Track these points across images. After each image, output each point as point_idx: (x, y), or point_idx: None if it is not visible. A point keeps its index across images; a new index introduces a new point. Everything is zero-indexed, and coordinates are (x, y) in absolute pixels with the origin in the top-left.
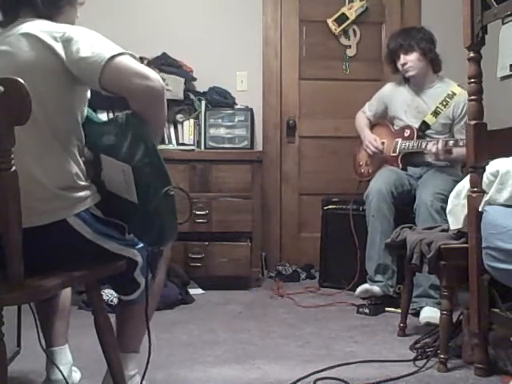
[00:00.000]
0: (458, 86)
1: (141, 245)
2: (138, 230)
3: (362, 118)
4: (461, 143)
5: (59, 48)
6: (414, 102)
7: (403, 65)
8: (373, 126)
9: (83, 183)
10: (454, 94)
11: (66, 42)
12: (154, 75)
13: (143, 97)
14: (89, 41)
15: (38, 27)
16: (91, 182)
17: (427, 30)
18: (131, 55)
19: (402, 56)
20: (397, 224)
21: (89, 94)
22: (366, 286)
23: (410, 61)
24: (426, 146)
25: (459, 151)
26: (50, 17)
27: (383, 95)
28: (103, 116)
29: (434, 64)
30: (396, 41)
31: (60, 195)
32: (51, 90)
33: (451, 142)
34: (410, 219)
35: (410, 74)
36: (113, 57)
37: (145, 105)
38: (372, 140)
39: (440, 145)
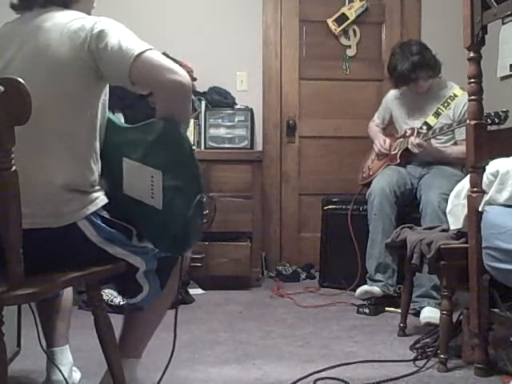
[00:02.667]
0: (461, 88)
1: (150, 254)
2: (156, 237)
3: (373, 126)
4: (437, 131)
5: (88, 44)
6: (416, 105)
7: (410, 88)
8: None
9: (96, 185)
10: (456, 95)
11: (95, 37)
12: (182, 71)
13: (172, 91)
14: (117, 36)
15: (66, 21)
16: (102, 184)
17: (426, 48)
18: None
19: (410, 83)
20: (397, 224)
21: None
22: (365, 287)
23: (419, 86)
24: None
25: (448, 149)
26: (67, 3)
27: (387, 102)
28: None
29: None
30: (402, 70)
31: (73, 198)
32: (79, 88)
33: (430, 133)
34: (411, 219)
35: (418, 92)
36: (141, 52)
37: (172, 99)
38: (381, 140)
39: (414, 137)
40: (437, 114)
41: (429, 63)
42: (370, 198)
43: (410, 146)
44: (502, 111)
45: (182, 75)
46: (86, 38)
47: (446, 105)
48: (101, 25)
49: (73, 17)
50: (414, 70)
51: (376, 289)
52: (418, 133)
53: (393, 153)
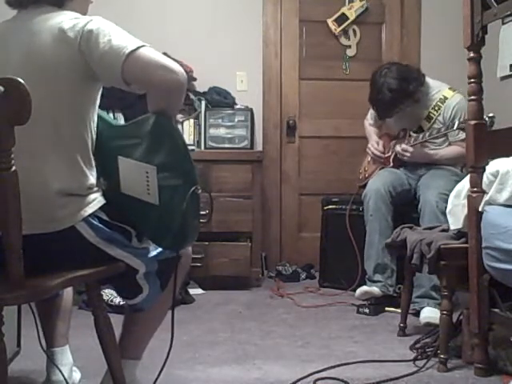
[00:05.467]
0: (450, 88)
1: (150, 255)
2: (156, 233)
3: (367, 126)
4: (427, 135)
5: (79, 44)
6: (405, 112)
7: None
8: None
9: (93, 187)
10: (446, 98)
11: (86, 37)
12: (177, 67)
13: (165, 90)
14: (108, 34)
15: (58, 22)
16: (98, 185)
17: (405, 77)
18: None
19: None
20: (396, 224)
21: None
22: (364, 287)
23: (405, 111)
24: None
25: (439, 151)
26: (60, 2)
27: None
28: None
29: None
30: (384, 110)
31: (69, 201)
32: (72, 89)
33: (412, 140)
34: (410, 219)
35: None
36: (134, 50)
37: (165, 96)
38: (374, 143)
39: (399, 144)
40: (429, 119)
41: (409, 94)
42: (365, 199)
43: (397, 154)
44: (488, 116)
45: (176, 71)
46: (77, 38)
47: (436, 108)
48: (92, 24)
49: (64, 17)
50: (397, 107)
51: (375, 289)
52: (410, 136)
53: (386, 155)
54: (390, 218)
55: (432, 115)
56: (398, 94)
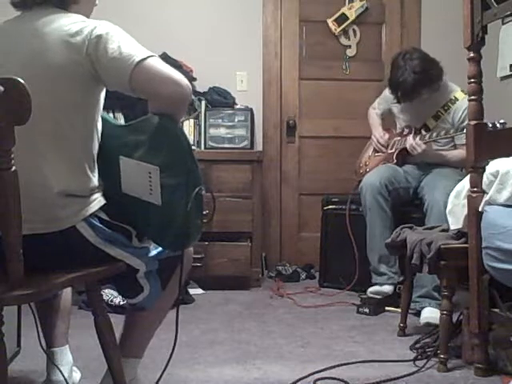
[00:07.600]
0: (462, 91)
1: (150, 255)
2: (157, 233)
3: (373, 115)
4: (434, 135)
5: (86, 48)
6: (416, 106)
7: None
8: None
9: (95, 189)
10: (457, 99)
11: (94, 41)
12: (183, 80)
13: (171, 102)
14: (117, 41)
15: (65, 25)
16: (100, 186)
17: (428, 61)
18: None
19: (413, 100)
20: (396, 224)
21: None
22: (376, 287)
23: (422, 99)
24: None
25: (448, 153)
26: (65, 3)
27: (386, 98)
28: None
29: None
30: (405, 91)
31: (70, 202)
32: (76, 92)
33: (427, 136)
34: (410, 219)
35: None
36: (142, 60)
37: (169, 108)
38: (380, 134)
39: (412, 138)
40: (436, 117)
41: (432, 79)
42: (361, 192)
43: (408, 148)
44: (500, 123)
45: (182, 85)
46: (85, 42)
47: (446, 108)
48: (100, 29)
49: (71, 20)
50: (418, 91)
51: (387, 287)
52: (416, 133)
53: (389, 152)
54: (388, 209)
55: (440, 114)
56: (422, 75)
